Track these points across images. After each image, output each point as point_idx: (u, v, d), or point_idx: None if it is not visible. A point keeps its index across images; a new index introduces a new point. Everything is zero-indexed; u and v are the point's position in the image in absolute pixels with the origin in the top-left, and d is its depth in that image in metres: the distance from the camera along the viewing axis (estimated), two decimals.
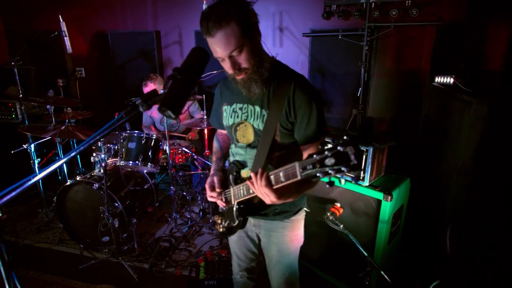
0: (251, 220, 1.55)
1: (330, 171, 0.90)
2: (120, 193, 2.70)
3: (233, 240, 1.69)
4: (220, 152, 1.63)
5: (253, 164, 1.35)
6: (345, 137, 0.87)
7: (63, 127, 2.80)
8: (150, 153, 2.72)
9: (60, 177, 3.32)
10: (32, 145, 2.93)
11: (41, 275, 2.55)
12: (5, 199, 0.98)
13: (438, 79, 2.47)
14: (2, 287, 1.05)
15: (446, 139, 2.33)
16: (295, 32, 3.75)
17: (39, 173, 0.97)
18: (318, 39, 3.66)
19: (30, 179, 1.01)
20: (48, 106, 3.03)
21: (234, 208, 1.44)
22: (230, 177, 1.44)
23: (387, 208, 1.98)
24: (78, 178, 2.65)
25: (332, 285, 2.38)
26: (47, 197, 3.25)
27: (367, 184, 2.06)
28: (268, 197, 1.14)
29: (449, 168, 2.18)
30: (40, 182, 3.12)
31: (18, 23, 4.61)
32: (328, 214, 2.06)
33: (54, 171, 2.99)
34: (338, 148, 0.86)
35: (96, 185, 2.52)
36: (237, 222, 1.46)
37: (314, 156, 0.94)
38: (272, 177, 1.12)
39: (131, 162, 2.67)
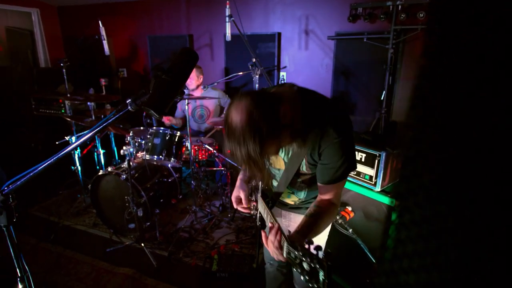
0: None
1: (304, 274, 0.87)
2: (146, 184, 2.75)
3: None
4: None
5: (277, 185, 1.37)
6: (322, 258, 0.83)
7: None
8: (173, 149, 2.75)
9: (98, 167, 3.48)
10: (73, 137, 3.08)
11: (75, 254, 2.68)
12: (16, 184, 1.02)
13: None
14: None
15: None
16: (320, 35, 3.61)
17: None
18: (343, 42, 3.49)
19: (37, 168, 1.02)
20: (89, 103, 3.18)
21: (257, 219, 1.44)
22: (259, 192, 1.43)
23: None
24: (109, 169, 2.75)
25: (340, 287, 2.25)
26: (86, 184, 3.41)
27: (379, 190, 1.90)
28: (276, 256, 1.06)
29: None
30: (79, 171, 3.29)
31: (73, 29, 4.92)
32: (338, 218, 1.94)
33: (93, 161, 3.04)
34: (315, 264, 0.83)
35: (123, 176, 2.59)
36: (259, 229, 1.44)
37: (299, 251, 0.90)
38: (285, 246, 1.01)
39: (155, 156, 2.72)
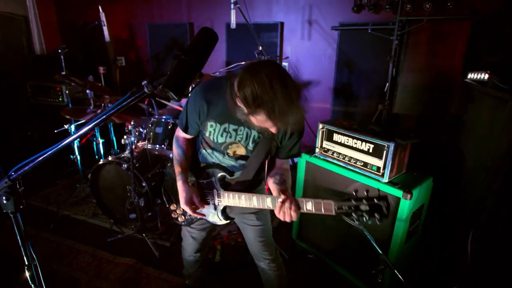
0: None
1: (364, 214, 1.14)
2: (147, 174, 2.71)
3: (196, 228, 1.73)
4: (185, 161, 1.50)
5: (242, 173, 1.45)
6: (379, 194, 1.12)
7: (99, 111, 2.85)
8: None
9: (97, 157, 3.41)
10: (73, 126, 3.01)
11: (76, 244, 2.64)
12: (24, 169, 0.97)
13: (471, 75, 2.20)
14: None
15: (475, 138, 2.08)
16: (324, 25, 3.55)
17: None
18: (346, 33, 3.44)
19: (45, 153, 0.98)
20: (88, 91, 3.10)
21: (219, 210, 1.51)
22: (215, 179, 1.47)
23: (405, 206, 1.81)
24: (110, 158, 2.70)
25: (345, 278, 2.25)
26: (85, 174, 3.35)
27: (387, 181, 1.89)
28: (291, 219, 1.25)
29: (476, 168, 1.95)
30: (79, 160, 3.22)
31: (69, 15, 4.78)
32: None
33: (92, 151, 2.97)
34: (375, 200, 1.11)
35: (124, 166, 2.54)
36: (222, 222, 1.53)
37: (352, 201, 1.14)
38: (303, 204, 1.25)
39: (157, 146, 2.67)
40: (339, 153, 2.10)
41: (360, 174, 1.99)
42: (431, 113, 3.29)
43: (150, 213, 2.73)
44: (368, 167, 1.96)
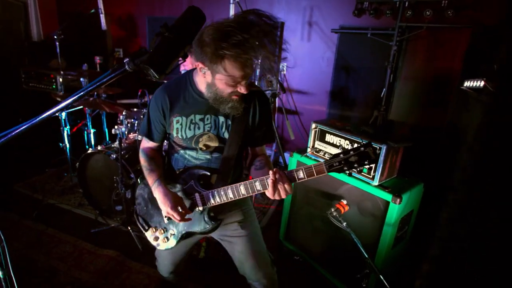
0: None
1: (355, 165, 1.10)
2: (136, 166, 2.65)
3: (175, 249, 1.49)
4: (158, 169, 1.40)
5: (221, 166, 1.37)
6: (363, 141, 1.12)
7: (91, 99, 2.80)
8: None
9: (87, 147, 3.36)
10: (63, 113, 2.96)
11: (58, 233, 2.58)
12: None
13: (467, 83, 2.19)
14: None
15: (466, 145, 2.06)
16: (324, 27, 3.54)
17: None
18: (346, 36, 3.43)
19: (19, 128, 0.94)
20: (82, 79, 3.05)
21: (205, 214, 1.37)
22: (194, 182, 1.36)
23: (394, 211, 1.78)
24: (99, 147, 2.65)
25: (329, 282, 2.21)
26: (74, 163, 3.29)
27: (377, 184, 1.86)
28: (286, 192, 1.18)
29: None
30: (68, 148, 3.16)
31: (69, 3, 4.73)
32: (332, 210, 1.88)
33: (83, 140, 2.89)
34: (361, 148, 1.09)
35: (113, 156, 2.49)
36: (209, 227, 1.37)
37: (341, 155, 1.11)
38: (295, 174, 1.19)
39: None
40: (331, 154, 2.07)
41: (350, 176, 1.96)
42: (426, 121, 3.28)
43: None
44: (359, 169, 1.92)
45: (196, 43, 1.10)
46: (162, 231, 1.46)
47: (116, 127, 2.60)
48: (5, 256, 1.02)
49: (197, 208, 1.36)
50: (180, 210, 1.29)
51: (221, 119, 1.32)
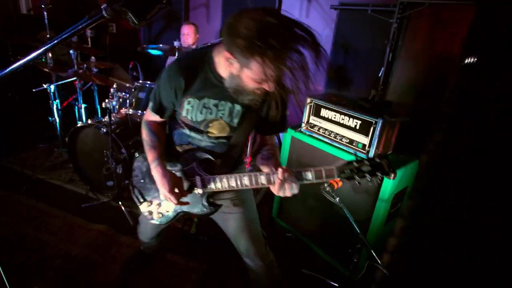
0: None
1: (366, 174, 1.11)
2: (127, 141, 2.60)
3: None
4: (160, 146, 1.34)
5: (226, 152, 1.33)
6: (379, 153, 1.20)
7: (81, 71, 2.71)
8: None
9: (78, 122, 3.28)
10: (52, 86, 2.87)
11: (48, 208, 2.54)
12: None
13: (468, 60, 2.13)
14: None
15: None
16: (323, 3, 3.42)
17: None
18: (345, 13, 3.33)
19: None
20: (71, 52, 2.94)
21: (204, 198, 1.33)
22: (197, 164, 1.29)
23: (388, 186, 1.76)
24: (89, 121, 2.58)
25: (321, 259, 2.21)
26: (64, 139, 3.23)
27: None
28: (292, 192, 1.16)
29: None
30: (58, 123, 3.09)
31: None
32: (326, 185, 1.85)
33: (74, 116, 2.78)
34: (376, 159, 1.11)
35: (103, 130, 2.43)
36: (206, 211, 1.34)
37: (354, 163, 1.12)
38: (303, 175, 1.16)
39: (139, 112, 2.56)
40: (325, 129, 2.03)
41: (345, 152, 1.93)
42: (425, 102, 3.23)
43: (127, 181, 2.64)
44: (354, 144, 1.89)
45: (227, 31, 1.01)
46: (157, 206, 1.42)
47: (106, 100, 2.52)
48: None
49: (196, 191, 1.31)
50: (177, 191, 1.26)
51: (236, 107, 1.25)
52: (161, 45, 2.90)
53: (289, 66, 0.97)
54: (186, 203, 1.33)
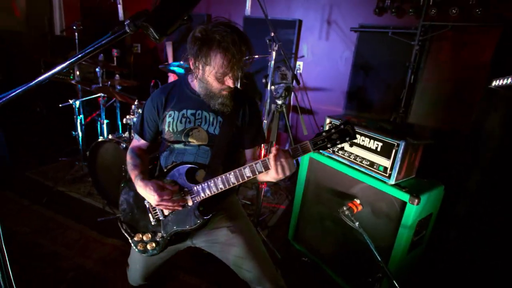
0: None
1: (337, 142, 1.19)
2: None
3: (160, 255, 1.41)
4: (142, 165, 1.40)
5: (210, 162, 1.36)
6: (341, 120, 1.25)
7: (104, 86, 2.81)
8: None
9: (100, 137, 3.37)
10: (77, 102, 2.98)
11: (66, 220, 2.57)
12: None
13: (495, 83, 2.05)
14: None
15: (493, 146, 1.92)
16: (343, 26, 3.45)
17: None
18: (365, 35, 3.33)
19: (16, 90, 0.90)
20: (97, 69, 3.07)
21: (195, 208, 1.30)
22: (182, 178, 1.32)
23: (411, 212, 1.66)
24: (110, 136, 2.64)
25: (338, 286, 2.10)
26: (85, 153, 3.31)
27: (393, 183, 1.75)
28: (290, 169, 1.20)
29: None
30: (80, 138, 3.19)
31: (91, 0, 4.84)
32: (344, 209, 1.78)
33: (96, 130, 2.85)
34: (341, 126, 1.19)
35: (123, 145, 2.48)
36: (199, 222, 1.29)
37: (323, 134, 1.19)
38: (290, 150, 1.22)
39: None
40: (345, 151, 1.98)
41: (365, 174, 1.86)
42: (448, 125, 3.12)
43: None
44: (375, 167, 1.82)
45: (188, 41, 1.22)
46: (150, 236, 1.38)
47: (127, 117, 2.58)
48: None
49: (186, 204, 1.31)
50: (168, 189, 1.26)
51: (212, 115, 1.37)
52: (182, 62, 2.98)
53: (233, 48, 1.17)
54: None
